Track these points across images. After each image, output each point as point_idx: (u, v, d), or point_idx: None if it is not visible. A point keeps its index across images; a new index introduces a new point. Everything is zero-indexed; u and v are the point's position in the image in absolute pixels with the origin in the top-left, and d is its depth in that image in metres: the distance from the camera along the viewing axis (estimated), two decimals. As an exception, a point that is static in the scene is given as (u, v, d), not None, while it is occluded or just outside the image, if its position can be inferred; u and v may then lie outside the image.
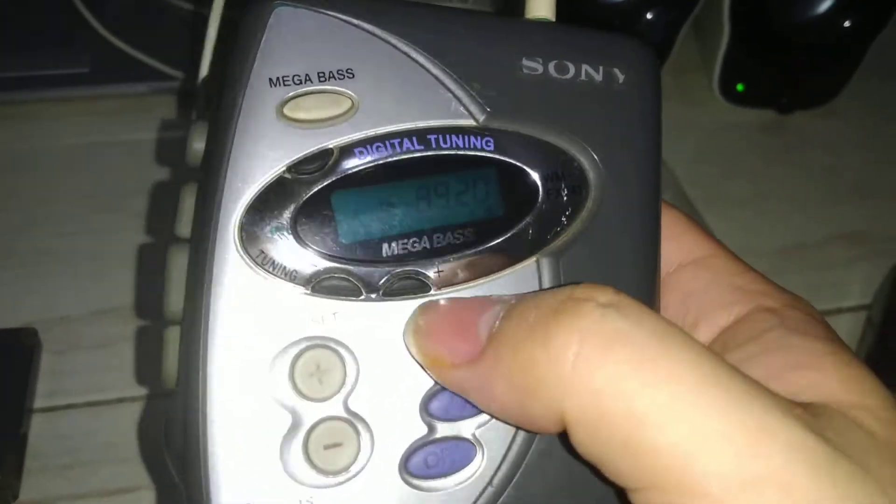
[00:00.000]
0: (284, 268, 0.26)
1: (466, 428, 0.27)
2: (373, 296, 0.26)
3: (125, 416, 0.50)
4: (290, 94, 0.26)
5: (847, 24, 0.63)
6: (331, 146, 0.26)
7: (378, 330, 0.26)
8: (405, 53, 0.27)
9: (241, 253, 0.25)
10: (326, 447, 0.26)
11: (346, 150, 0.26)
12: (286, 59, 0.26)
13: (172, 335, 0.27)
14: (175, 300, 0.27)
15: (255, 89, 0.26)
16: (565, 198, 0.28)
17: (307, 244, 0.26)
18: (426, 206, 0.27)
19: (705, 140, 0.66)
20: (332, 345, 0.26)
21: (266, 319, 0.25)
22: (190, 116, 0.60)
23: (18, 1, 0.68)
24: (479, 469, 0.27)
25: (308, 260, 0.26)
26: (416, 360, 0.26)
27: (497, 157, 0.27)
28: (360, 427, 0.26)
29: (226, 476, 0.25)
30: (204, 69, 0.42)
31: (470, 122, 0.27)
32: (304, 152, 0.26)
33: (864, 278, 0.60)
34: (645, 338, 0.22)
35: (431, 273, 0.27)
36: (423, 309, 0.26)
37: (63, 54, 0.65)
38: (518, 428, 0.26)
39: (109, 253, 0.57)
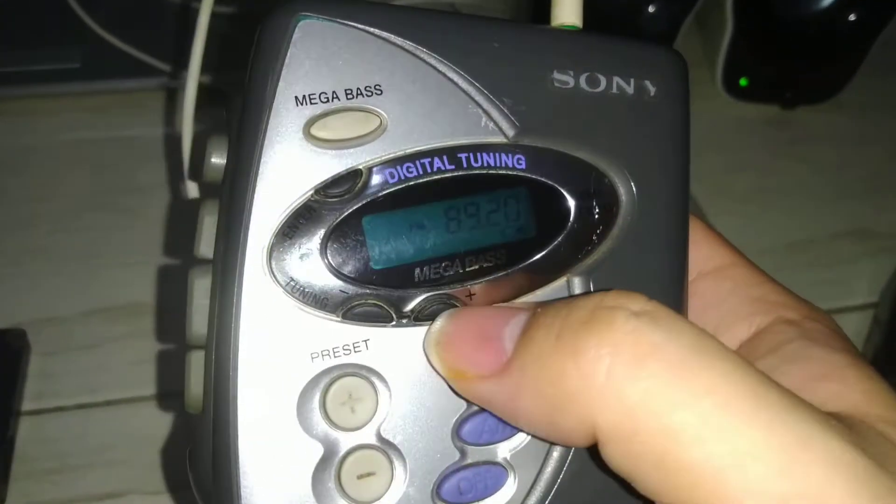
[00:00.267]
0: (315, 296, 0.25)
1: (498, 452, 0.26)
2: (404, 321, 0.26)
3: (115, 419, 0.49)
4: (318, 112, 0.25)
5: (852, 17, 0.62)
6: (360, 167, 0.25)
7: (409, 355, 0.26)
8: (434, 67, 0.26)
9: (271, 280, 0.25)
10: (360, 477, 0.25)
11: (376, 171, 0.25)
12: (312, 76, 0.25)
13: (196, 360, 0.26)
14: (198, 324, 0.26)
15: (281, 108, 0.25)
16: (596, 216, 0.27)
17: (338, 271, 0.25)
18: (457, 227, 0.26)
19: (708, 135, 0.66)
20: (364, 373, 0.25)
21: (296, 348, 0.25)
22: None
23: (9, -4, 0.66)
24: (511, 493, 0.26)
25: (339, 287, 0.25)
26: (439, 373, 0.25)
27: (529, 175, 0.27)
28: (392, 455, 0.26)
29: None
30: (194, 66, 0.41)
31: (501, 139, 0.26)
32: (333, 174, 0.25)
33: (870, 275, 0.60)
34: (679, 350, 0.21)
35: (463, 296, 0.26)
36: (444, 319, 0.25)
37: (54, 50, 0.64)
38: (548, 442, 0.26)
39: (101, 252, 0.56)
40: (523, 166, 0.27)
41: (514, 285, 0.27)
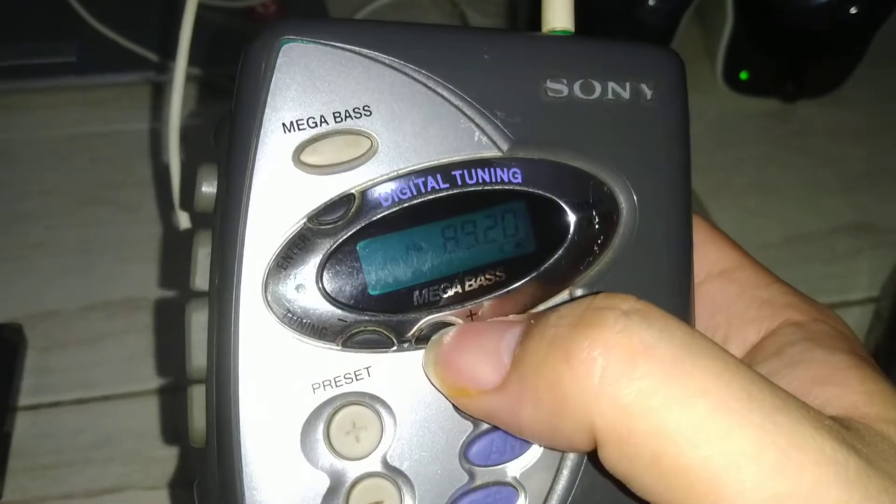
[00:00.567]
0: (313, 326, 0.25)
1: (507, 472, 0.26)
2: (405, 345, 0.25)
3: (112, 414, 0.49)
4: (306, 137, 0.25)
5: (853, 10, 0.62)
6: (352, 191, 0.25)
7: (412, 380, 0.25)
8: (422, 83, 0.25)
9: (268, 312, 0.24)
10: None
11: (369, 195, 0.25)
12: (298, 101, 0.25)
13: (197, 394, 0.26)
14: (198, 358, 0.26)
15: (269, 136, 0.24)
16: (597, 226, 0.27)
17: (335, 299, 0.25)
18: (455, 246, 0.26)
19: (709, 129, 0.66)
20: (367, 400, 0.25)
21: (297, 380, 0.25)
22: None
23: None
24: None
25: (337, 315, 0.25)
26: (441, 393, 0.25)
27: (525, 189, 0.26)
28: (400, 482, 0.25)
29: None
30: (181, 59, 0.40)
31: (495, 153, 0.26)
32: (325, 200, 0.25)
33: (871, 269, 0.60)
34: (672, 349, 0.21)
35: (464, 316, 0.26)
36: (441, 338, 0.25)
37: (50, 44, 0.64)
38: (557, 451, 0.26)
39: (98, 247, 0.56)
40: (519, 180, 0.26)
41: (516, 301, 0.26)
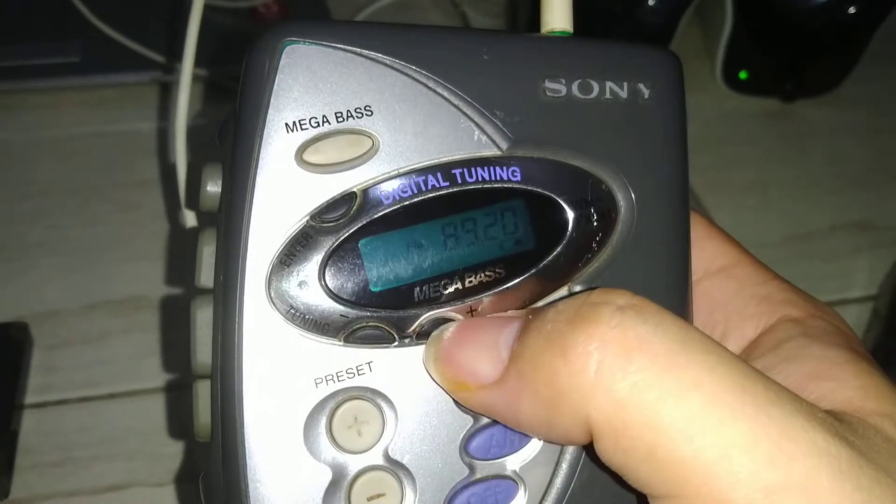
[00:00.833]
0: (315, 322, 0.25)
1: (507, 465, 0.26)
2: (406, 341, 0.26)
3: (118, 411, 0.49)
4: (309, 137, 0.25)
5: (852, 10, 0.62)
6: (354, 189, 0.25)
7: (413, 375, 0.26)
8: (423, 84, 0.26)
9: (272, 309, 0.25)
10: (370, 499, 0.25)
11: (370, 193, 0.25)
12: (301, 102, 0.25)
13: (202, 389, 0.26)
14: (202, 354, 0.26)
15: (272, 136, 0.25)
16: (595, 223, 0.27)
17: (337, 296, 0.25)
18: (455, 243, 0.26)
19: (708, 128, 0.66)
20: (369, 395, 0.25)
21: (300, 375, 0.25)
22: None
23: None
24: None
25: (339, 311, 0.25)
26: (441, 387, 0.26)
27: (525, 187, 0.27)
28: (401, 475, 0.26)
29: None
30: (188, 59, 0.41)
31: (494, 152, 0.26)
32: (327, 198, 0.25)
33: (869, 268, 0.60)
34: (666, 343, 0.22)
35: (464, 312, 0.26)
36: (440, 333, 0.26)
37: (54, 44, 0.64)
38: (556, 444, 0.26)
39: (103, 246, 0.56)
40: (518, 178, 0.26)
41: (515, 298, 0.26)
